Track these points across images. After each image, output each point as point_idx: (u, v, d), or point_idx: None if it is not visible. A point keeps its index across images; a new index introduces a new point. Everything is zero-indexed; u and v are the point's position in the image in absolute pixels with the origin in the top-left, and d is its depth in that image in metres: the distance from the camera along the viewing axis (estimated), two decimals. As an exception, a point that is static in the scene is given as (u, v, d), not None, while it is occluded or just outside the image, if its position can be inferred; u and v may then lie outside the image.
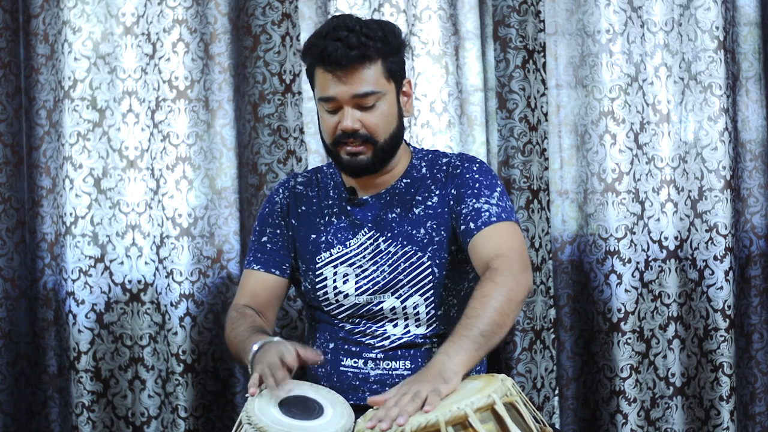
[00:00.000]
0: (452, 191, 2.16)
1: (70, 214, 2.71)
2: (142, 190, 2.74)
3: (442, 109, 2.81)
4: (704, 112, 2.85)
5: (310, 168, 2.60)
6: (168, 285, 2.72)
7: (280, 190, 2.28)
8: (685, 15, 2.85)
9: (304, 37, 2.76)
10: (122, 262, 2.75)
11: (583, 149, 2.88)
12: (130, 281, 2.75)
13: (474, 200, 2.12)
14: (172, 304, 2.71)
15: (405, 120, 2.19)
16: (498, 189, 2.15)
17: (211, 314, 2.75)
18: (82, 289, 2.72)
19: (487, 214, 2.09)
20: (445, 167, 2.20)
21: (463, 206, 2.12)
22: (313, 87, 2.16)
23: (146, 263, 2.75)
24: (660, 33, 2.85)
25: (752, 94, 2.91)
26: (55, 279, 2.74)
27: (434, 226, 2.15)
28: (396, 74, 2.13)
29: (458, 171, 2.17)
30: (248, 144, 2.74)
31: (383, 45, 2.08)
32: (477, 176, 2.16)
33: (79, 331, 2.71)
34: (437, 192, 2.17)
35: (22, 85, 2.73)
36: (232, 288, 2.75)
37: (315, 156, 2.79)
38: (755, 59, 2.91)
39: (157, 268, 2.74)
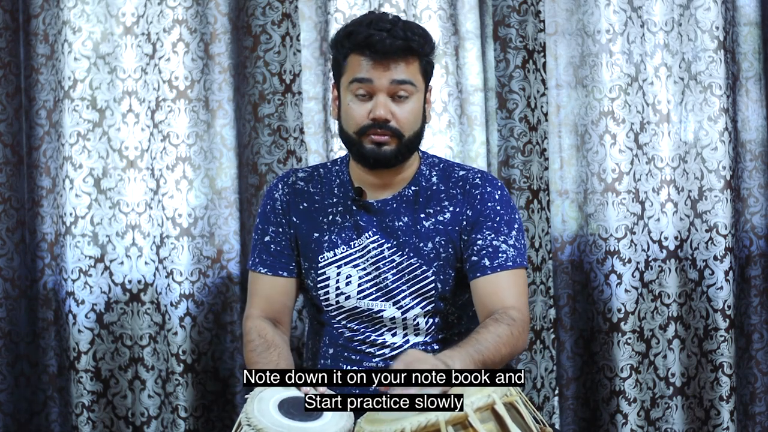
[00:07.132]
0: (468, 212, 2.12)
1: (70, 214, 2.71)
2: (142, 190, 2.74)
3: (442, 109, 2.81)
4: (704, 112, 2.85)
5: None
6: (168, 285, 2.72)
7: (280, 185, 2.22)
8: (685, 15, 2.85)
9: (305, 36, 2.76)
10: (122, 262, 2.75)
11: (583, 149, 2.88)
12: (130, 281, 2.75)
13: (492, 235, 2.09)
14: (172, 304, 2.71)
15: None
16: (516, 225, 2.12)
17: (211, 314, 2.75)
18: (82, 289, 2.72)
19: (504, 256, 2.08)
20: (461, 182, 2.15)
21: (478, 236, 2.10)
22: (339, 75, 2.10)
23: (146, 263, 2.75)
24: (660, 33, 2.84)
25: (752, 94, 2.91)
26: (55, 279, 2.74)
27: (442, 243, 2.12)
28: (428, 76, 2.11)
29: (477, 193, 2.13)
30: (248, 144, 2.74)
31: (424, 42, 2.07)
32: (498, 208, 2.12)
33: (79, 331, 2.71)
34: (450, 208, 2.14)
35: (22, 85, 2.73)
36: (232, 288, 2.75)
37: (315, 156, 2.78)
38: (755, 59, 2.91)
39: (157, 268, 2.74)
